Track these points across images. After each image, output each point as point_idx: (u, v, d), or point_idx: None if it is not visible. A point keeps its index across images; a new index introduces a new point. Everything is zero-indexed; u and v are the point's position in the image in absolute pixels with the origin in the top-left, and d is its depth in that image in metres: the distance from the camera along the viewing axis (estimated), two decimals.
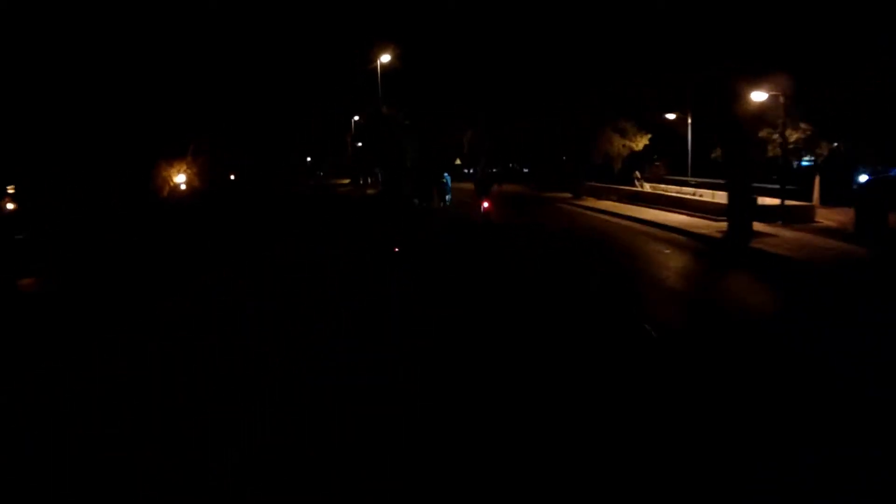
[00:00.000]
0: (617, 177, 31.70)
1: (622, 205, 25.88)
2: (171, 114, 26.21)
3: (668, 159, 34.09)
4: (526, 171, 54.69)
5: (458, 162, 54.00)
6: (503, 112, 41.39)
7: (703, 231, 16.86)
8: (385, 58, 39.30)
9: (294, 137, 48.47)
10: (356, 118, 48.94)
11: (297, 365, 6.50)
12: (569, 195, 32.45)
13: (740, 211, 15.56)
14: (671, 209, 22.11)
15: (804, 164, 30.21)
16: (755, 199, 16.90)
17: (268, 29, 34.81)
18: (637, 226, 19.53)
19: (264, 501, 4.01)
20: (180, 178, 29.30)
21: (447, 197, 25.39)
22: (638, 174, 30.58)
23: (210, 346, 7.27)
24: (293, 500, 4.03)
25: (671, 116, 29.76)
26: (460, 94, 44.67)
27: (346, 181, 52.21)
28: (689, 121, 28.42)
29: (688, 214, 20.46)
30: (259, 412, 5.34)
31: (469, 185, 28.45)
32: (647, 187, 28.86)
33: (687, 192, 25.12)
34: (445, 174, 25.90)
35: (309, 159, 62.38)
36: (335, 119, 48.87)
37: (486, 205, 21.93)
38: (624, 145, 30.63)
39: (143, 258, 13.41)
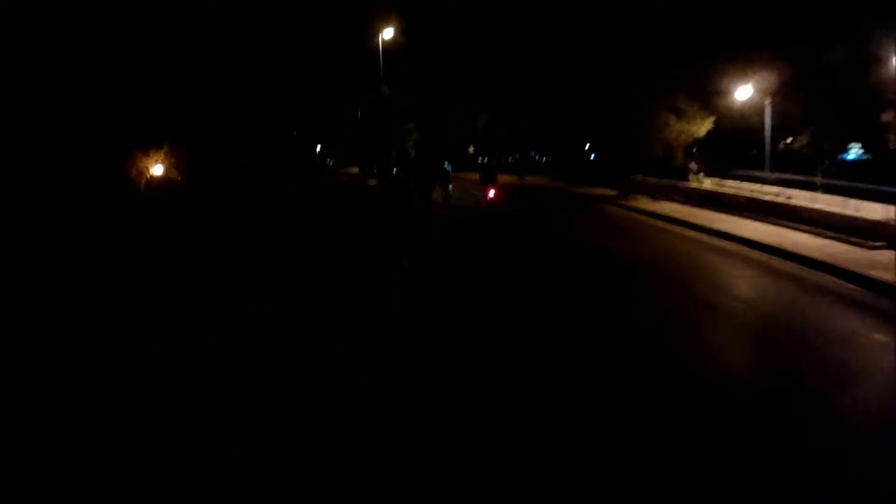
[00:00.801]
0: (672, 169, 24.48)
1: (693, 210, 19.00)
2: (148, 95, 23.72)
3: (702, 149, 26.81)
4: (545, 160, 47.53)
5: (471, 150, 47.85)
6: (524, 92, 35.67)
7: (878, 274, 9.83)
8: (388, 32, 34.84)
9: (297, 123, 45.42)
10: (360, 100, 46.11)
11: (297, 365, 6.50)
12: (611, 192, 25.93)
13: None
14: (776, 221, 15.52)
15: (849, 157, 25.81)
16: None
17: (263, 6, 32.74)
18: (745, 251, 12.77)
19: (264, 501, 4.01)
20: (158, 170, 27.35)
21: (449, 187, 22.85)
22: (694, 166, 24.02)
23: (210, 346, 7.27)
24: (293, 500, 4.03)
25: (744, 96, 21.66)
26: (472, 71, 38.31)
27: (355, 170, 50.31)
28: (768, 101, 20.65)
29: (811, 233, 13.92)
30: (259, 412, 5.34)
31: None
32: (708, 183, 22.59)
33: (802, 198, 17.10)
34: (446, 163, 23.91)
35: (319, 148, 60.76)
36: (343, 105, 45.92)
37: (491, 193, 20.69)
38: (683, 131, 23.57)
39: (142, 258, 13.40)
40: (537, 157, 48.69)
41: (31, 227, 17.31)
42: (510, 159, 49.53)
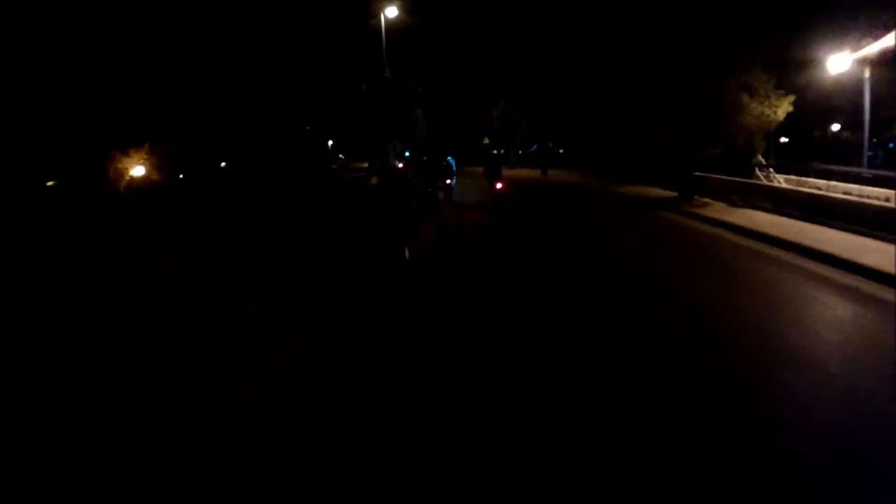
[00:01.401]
0: (734, 164, 19.05)
1: (797, 224, 13.39)
2: (128, 91, 22.75)
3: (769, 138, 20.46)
4: (561, 151, 43.72)
5: (486, 141, 44.11)
6: (545, 79, 32.31)
7: None
8: (391, 10, 32.87)
9: (304, 119, 42.95)
10: (364, 87, 41.12)
11: (297, 365, 6.50)
12: (667, 193, 20.99)
13: None
14: None
15: (892, 146, 24.20)
16: None
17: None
18: None
19: (264, 501, 4.01)
20: (139, 171, 24.51)
21: (448, 182, 21.62)
22: (762, 160, 18.67)
23: (210, 346, 7.27)
24: (293, 500, 4.03)
25: (839, 68, 16.57)
26: (486, 55, 36.06)
27: (366, 164, 47.03)
28: (868, 74, 16.06)
29: None
30: (259, 412, 5.34)
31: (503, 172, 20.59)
32: (781, 180, 17.65)
33: None
34: (449, 158, 21.56)
35: (331, 143, 59.49)
36: (348, 97, 41.05)
37: (499, 185, 20.09)
38: (758, 113, 18.20)
39: (142, 258, 13.40)
40: (557, 150, 44.84)
41: (31, 227, 17.33)
42: (524, 150, 46.36)
